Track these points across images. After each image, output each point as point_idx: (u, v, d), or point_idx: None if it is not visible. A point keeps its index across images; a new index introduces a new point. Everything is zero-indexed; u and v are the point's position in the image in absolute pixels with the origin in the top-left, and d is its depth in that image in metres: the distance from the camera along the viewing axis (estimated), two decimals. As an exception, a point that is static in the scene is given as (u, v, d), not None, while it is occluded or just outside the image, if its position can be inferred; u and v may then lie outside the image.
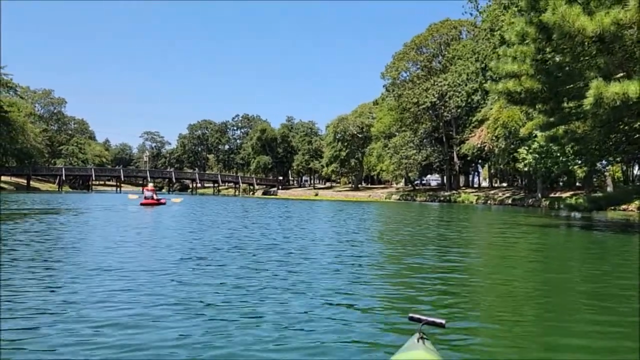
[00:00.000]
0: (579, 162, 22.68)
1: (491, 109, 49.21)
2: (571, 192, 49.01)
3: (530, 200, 49.83)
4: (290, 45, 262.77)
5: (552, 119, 15.99)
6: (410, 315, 3.09)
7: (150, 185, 36.10)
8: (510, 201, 54.11)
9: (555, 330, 5.04)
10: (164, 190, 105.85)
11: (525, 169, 27.19)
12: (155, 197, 32.74)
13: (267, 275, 7.60)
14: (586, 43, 12.33)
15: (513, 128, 43.30)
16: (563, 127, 16.40)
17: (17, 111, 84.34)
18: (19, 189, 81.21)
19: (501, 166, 56.75)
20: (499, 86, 14.47)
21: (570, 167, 27.65)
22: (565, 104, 15.10)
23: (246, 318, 5.08)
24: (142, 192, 37.95)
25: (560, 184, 56.38)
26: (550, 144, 19.61)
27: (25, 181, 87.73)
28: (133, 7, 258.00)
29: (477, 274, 8.50)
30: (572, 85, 13.90)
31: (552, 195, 49.49)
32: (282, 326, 4.79)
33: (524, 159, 25.77)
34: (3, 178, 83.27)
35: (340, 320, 5.07)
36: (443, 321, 2.96)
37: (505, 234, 16.76)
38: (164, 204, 33.22)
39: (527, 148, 25.64)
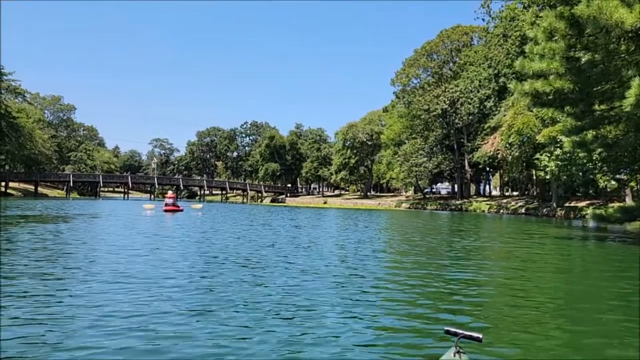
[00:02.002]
0: (605, 169, 21.46)
1: (505, 115, 47.96)
2: (587, 202, 47.47)
3: (544, 210, 48.32)
4: (299, 52, 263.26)
5: (581, 123, 14.82)
6: (446, 328, 3.04)
7: (170, 193, 39.70)
8: (523, 210, 52.60)
9: (596, 346, 4.94)
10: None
11: (547, 176, 25.92)
12: (175, 203, 36.34)
13: (300, 288, 7.50)
14: (623, 39, 11.25)
15: (528, 135, 42.10)
16: (592, 131, 15.22)
17: (26, 117, 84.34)
18: (26, 195, 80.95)
19: (514, 174, 55.34)
20: (526, 86, 13.37)
21: (596, 176, 26.37)
22: (596, 106, 13.98)
23: (281, 329, 5.10)
24: (163, 200, 43.02)
25: (579, 193, 54.76)
26: (578, 150, 18.47)
27: (33, 187, 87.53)
28: (142, 14, 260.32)
29: (510, 288, 8.23)
30: (605, 86, 12.77)
31: (567, 204, 48.00)
32: (316, 340, 4.76)
33: (545, 166, 24.57)
34: (11, 184, 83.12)
35: (373, 334, 5.03)
36: (480, 335, 2.89)
37: (530, 247, 15.86)
38: (181, 210, 35.89)
39: (548, 155, 24.45)
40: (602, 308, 6.79)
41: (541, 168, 26.60)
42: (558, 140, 23.32)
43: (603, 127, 14.61)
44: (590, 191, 52.83)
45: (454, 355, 2.80)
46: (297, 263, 10.28)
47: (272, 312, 5.91)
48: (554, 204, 47.49)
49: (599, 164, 21.53)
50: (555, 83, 12.75)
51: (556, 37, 12.83)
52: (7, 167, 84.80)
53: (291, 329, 5.18)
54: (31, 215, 25.83)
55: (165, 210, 34.79)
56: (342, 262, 10.58)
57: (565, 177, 24.75)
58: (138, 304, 6.09)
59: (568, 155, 23.27)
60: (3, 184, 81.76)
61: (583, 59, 12.30)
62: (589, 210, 44.68)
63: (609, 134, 14.66)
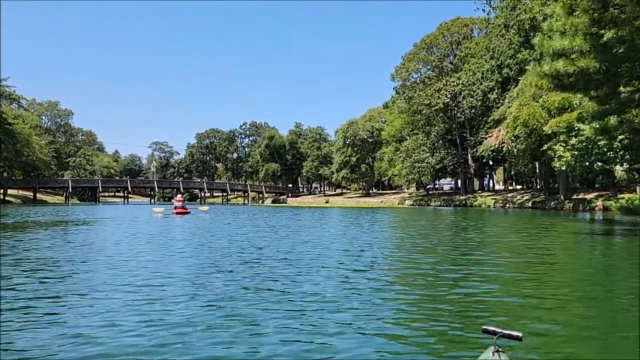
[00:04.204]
0: (628, 157, 20.35)
1: (509, 107, 46.77)
2: (596, 194, 46.31)
3: (552, 203, 47.17)
4: (296, 50, 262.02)
5: (605, 107, 13.71)
6: (484, 327, 2.97)
7: (179, 196, 41.28)
8: (530, 204, 51.48)
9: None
10: (173, 200, 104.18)
11: (563, 167, 24.82)
12: (184, 206, 37.74)
13: (330, 289, 7.35)
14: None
15: (534, 126, 40.92)
16: (616, 117, 14.12)
17: (22, 123, 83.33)
18: (25, 202, 79.98)
19: (520, 168, 54.15)
20: (545, 67, 12.25)
21: (613, 166, 25.18)
22: (622, 88, 12.88)
23: (319, 335, 5.00)
24: (172, 203, 44.33)
25: (583, 185, 53.60)
26: (599, 137, 17.35)
27: (32, 194, 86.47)
28: (138, 16, 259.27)
29: (545, 285, 7.91)
30: (632, 65, 11.64)
31: (574, 197, 46.82)
32: (356, 341, 4.73)
33: (560, 156, 23.45)
34: (9, 191, 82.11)
35: (410, 334, 4.99)
36: (519, 334, 2.81)
37: (551, 242, 14.98)
38: (189, 213, 37.04)
39: (563, 144, 23.32)
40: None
41: (556, 159, 25.45)
42: (575, 128, 22.21)
43: (629, 110, 13.50)
44: (599, 183, 51.68)
45: (493, 355, 2.73)
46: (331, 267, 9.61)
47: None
48: (562, 197, 46.32)
49: (621, 152, 20.38)
50: (579, 62, 11.63)
51: (577, 12, 11.74)
52: (5, 174, 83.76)
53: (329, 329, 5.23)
54: (43, 221, 26.56)
55: (176, 213, 36.08)
56: (369, 263, 10.17)
57: (580, 167, 23.69)
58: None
59: (585, 144, 22.20)
60: (1, 191, 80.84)
61: (608, 35, 11.18)
62: (599, 202, 43.58)
63: (635, 118, 13.56)
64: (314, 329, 5.20)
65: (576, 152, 22.30)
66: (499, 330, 2.89)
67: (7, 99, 75.48)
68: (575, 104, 22.05)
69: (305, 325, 5.32)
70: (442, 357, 4.33)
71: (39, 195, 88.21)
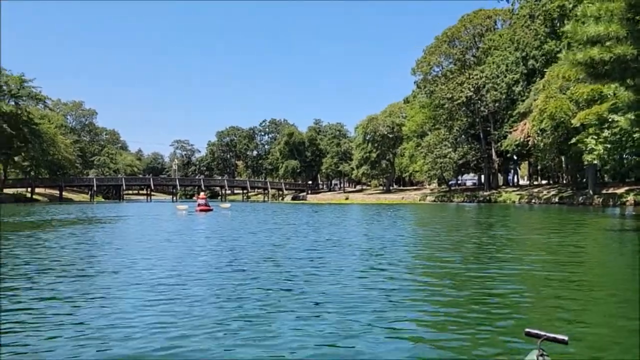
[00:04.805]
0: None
1: (535, 99, 45.45)
2: (626, 188, 44.68)
3: (580, 198, 45.76)
4: (315, 47, 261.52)
5: (643, 96, 12.95)
6: (527, 330, 2.85)
7: (202, 194, 41.89)
8: (556, 199, 50.13)
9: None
10: (194, 198, 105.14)
11: (595, 161, 23.88)
12: (207, 204, 38.33)
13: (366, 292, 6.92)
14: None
15: (562, 119, 39.66)
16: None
17: (48, 123, 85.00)
18: (52, 200, 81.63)
19: (546, 162, 52.69)
20: (579, 55, 11.56)
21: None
22: (661, 76, 12.13)
23: (356, 338, 4.75)
24: (195, 201, 45.49)
25: (612, 179, 51.89)
26: (636, 129, 16.49)
27: (58, 192, 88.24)
28: (158, 15, 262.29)
29: (578, 284, 7.57)
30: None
31: (604, 191, 45.30)
32: (396, 344, 4.56)
33: (592, 149, 22.52)
34: (37, 190, 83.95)
35: (450, 336, 4.78)
36: (565, 337, 2.72)
37: (582, 238, 14.25)
38: (212, 210, 37.49)
39: (595, 137, 22.40)
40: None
41: (587, 152, 24.48)
42: (608, 120, 21.28)
43: (669, 99, 12.74)
44: (632, 177, 49.86)
45: (537, 358, 2.66)
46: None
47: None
48: (590, 192, 44.86)
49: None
50: (615, 49, 10.94)
51: (612, -4, 11.02)
52: (32, 173, 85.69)
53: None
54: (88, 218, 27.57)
55: (199, 210, 36.38)
56: (394, 262, 9.79)
57: (613, 161, 22.71)
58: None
59: (618, 136, 21.24)
60: (29, 190, 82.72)
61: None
62: (630, 197, 42.03)
63: (675, 107, 12.78)
64: (337, 331, 4.95)
65: (609, 145, 21.36)
66: (542, 333, 2.78)
67: (33, 99, 76.93)
68: (609, 94, 21.07)
69: (328, 327, 5.08)
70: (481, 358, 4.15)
71: (64, 194, 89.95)
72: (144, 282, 7.64)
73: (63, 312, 5.71)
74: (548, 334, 2.77)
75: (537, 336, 2.78)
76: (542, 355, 2.69)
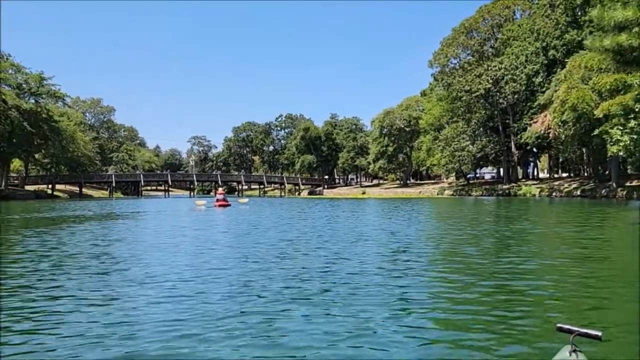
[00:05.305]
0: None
1: (557, 90, 44.36)
2: (652, 180, 43.46)
3: (603, 191, 44.64)
4: (331, 41, 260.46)
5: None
6: (559, 325, 2.81)
7: (220, 190, 42.52)
8: (578, 192, 49.01)
9: None
10: (211, 194, 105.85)
11: (620, 152, 23.17)
12: (225, 199, 38.72)
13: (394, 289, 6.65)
14: None
15: (584, 110, 38.62)
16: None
17: (67, 120, 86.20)
18: (72, 196, 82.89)
19: (568, 154, 51.50)
20: (606, 42, 11.04)
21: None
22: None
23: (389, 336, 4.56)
24: (213, 196, 46.40)
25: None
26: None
27: (78, 189, 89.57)
28: (176, 14, 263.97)
29: (609, 280, 7.27)
30: None
31: (628, 184, 44.10)
32: (428, 340, 4.42)
33: (618, 140, 21.80)
34: (57, 186, 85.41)
35: (479, 332, 4.62)
36: (599, 333, 2.64)
37: (608, 232, 13.79)
38: (230, 205, 37.95)
39: (621, 128, 21.68)
40: None
41: (612, 143, 23.73)
42: (635, 109, 20.54)
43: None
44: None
45: (570, 355, 2.59)
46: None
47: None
48: (614, 184, 43.73)
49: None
50: (645, 34, 10.42)
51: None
52: (52, 170, 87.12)
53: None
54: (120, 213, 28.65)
55: (218, 206, 36.90)
56: (414, 257, 9.50)
57: (639, 152, 22.01)
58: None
59: (646, 126, 20.61)
60: (50, 186, 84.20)
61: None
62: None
63: None
64: (357, 328, 4.74)
65: (635, 136, 20.63)
66: (575, 328, 2.71)
67: (52, 97, 77.92)
68: (636, 83, 20.31)
69: (346, 324, 4.89)
70: (516, 355, 4.03)
71: (84, 190, 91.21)
72: (158, 278, 7.52)
73: (68, 310, 5.60)
74: (581, 330, 2.70)
75: (570, 332, 2.71)
76: (574, 351, 2.62)
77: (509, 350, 4.10)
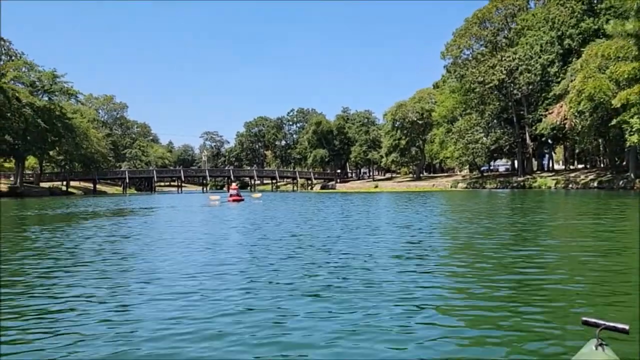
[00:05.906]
0: None
1: (573, 80, 43.41)
2: (671, 171, 42.42)
3: (620, 182, 43.76)
4: (342, 34, 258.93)
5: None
6: (585, 318, 2.74)
7: (234, 185, 43.16)
8: (595, 184, 48.13)
9: None
10: (224, 189, 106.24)
11: (640, 143, 22.62)
12: (239, 194, 39.20)
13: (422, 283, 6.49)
14: None
15: (601, 100, 37.74)
16: None
17: (81, 117, 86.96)
18: (86, 193, 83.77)
19: (584, 145, 50.49)
20: (629, 26, 10.56)
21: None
22: None
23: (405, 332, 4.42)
24: (226, 191, 47.41)
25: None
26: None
27: (92, 185, 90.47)
28: (188, 11, 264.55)
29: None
30: None
31: (647, 175, 43.14)
32: (452, 331, 4.38)
33: (637, 130, 21.12)
34: (71, 183, 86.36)
35: (503, 325, 4.52)
36: (626, 326, 2.57)
37: (630, 223, 13.30)
38: (243, 200, 38.44)
39: (640, 118, 21.12)
40: None
41: (631, 133, 23.01)
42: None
43: None
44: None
45: (596, 349, 2.51)
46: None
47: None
48: (632, 175, 42.79)
49: None
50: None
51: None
52: (66, 167, 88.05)
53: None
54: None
55: (232, 200, 37.12)
56: (430, 251, 9.31)
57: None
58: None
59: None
60: (64, 183, 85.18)
61: None
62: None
63: None
64: (367, 326, 4.54)
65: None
66: (601, 322, 2.62)
67: (65, 94, 78.65)
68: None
69: (359, 320, 4.73)
70: (536, 351, 3.88)
71: (98, 187, 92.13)
72: (167, 274, 7.43)
73: (73, 309, 5.49)
74: (607, 323, 2.61)
75: (596, 325, 2.63)
76: (600, 345, 2.54)
77: (532, 346, 3.93)
